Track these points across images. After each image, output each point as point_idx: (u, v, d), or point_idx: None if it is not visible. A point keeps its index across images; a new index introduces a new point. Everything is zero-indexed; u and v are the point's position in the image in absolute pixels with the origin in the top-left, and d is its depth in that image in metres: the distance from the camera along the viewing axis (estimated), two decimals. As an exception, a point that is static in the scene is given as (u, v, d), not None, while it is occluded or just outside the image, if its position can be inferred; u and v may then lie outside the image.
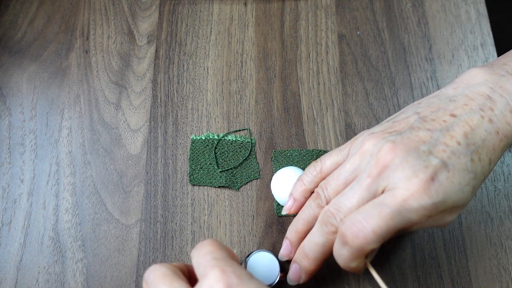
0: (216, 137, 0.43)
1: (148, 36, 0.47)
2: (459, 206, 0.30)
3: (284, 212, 0.37)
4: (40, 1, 0.49)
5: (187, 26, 0.48)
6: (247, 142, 0.43)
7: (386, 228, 0.28)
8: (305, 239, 0.34)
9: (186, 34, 0.48)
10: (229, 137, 0.43)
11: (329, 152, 0.36)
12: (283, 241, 0.37)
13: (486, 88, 0.32)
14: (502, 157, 0.42)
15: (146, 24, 0.48)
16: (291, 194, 0.37)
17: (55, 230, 0.40)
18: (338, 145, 0.43)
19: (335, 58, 0.47)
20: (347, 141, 0.43)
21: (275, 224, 0.40)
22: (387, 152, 0.29)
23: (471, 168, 0.29)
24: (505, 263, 0.39)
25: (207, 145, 0.43)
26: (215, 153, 0.43)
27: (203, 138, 0.43)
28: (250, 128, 0.44)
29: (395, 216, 0.28)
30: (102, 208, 0.41)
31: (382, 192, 0.29)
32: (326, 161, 0.35)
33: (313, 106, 0.44)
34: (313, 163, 0.36)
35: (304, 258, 0.33)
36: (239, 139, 0.43)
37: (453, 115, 0.31)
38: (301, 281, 0.35)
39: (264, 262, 0.36)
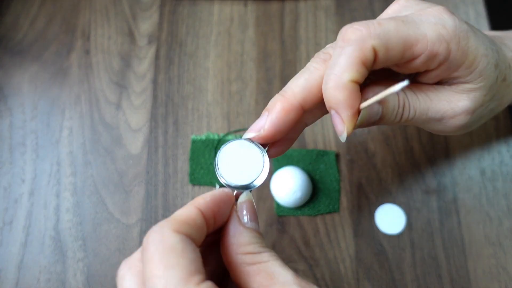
0: (216, 137, 0.43)
1: (149, 37, 0.48)
2: (480, 88, 0.26)
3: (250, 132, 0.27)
4: (41, 2, 0.49)
5: (187, 27, 0.48)
6: (247, 142, 0.43)
7: (394, 27, 0.24)
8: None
9: (187, 35, 0.48)
10: (230, 138, 0.43)
11: None
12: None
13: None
14: (501, 157, 0.42)
15: (146, 25, 0.48)
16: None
17: (56, 230, 0.40)
18: (337, 145, 0.43)
19: (335, 58, 0.47)
20: (346, 140, 0.43)
21: (275, 224, 0.40)
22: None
23: (490, 46, 0.27)
24: (504, 263, 0.39)
25: (208, 145, 0.43)
26: (215, 153, 0.43)
27: (204, 138, 0.43)
28: (250, 128, 0.44)
29: (408, 22, 0.24)
30: (103, 207, 0.41)
31: None
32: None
33: (313, 106, 0.45)
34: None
35: (278, 98, 0.26)
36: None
37: None
38: (263, 131, 0.26)
39: (241, 152, 0.26)
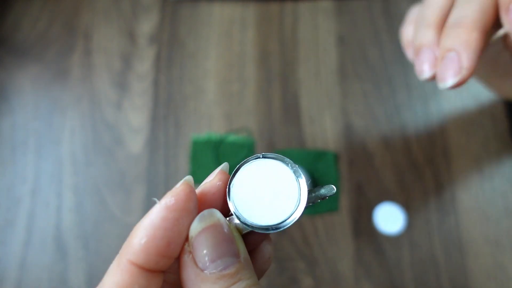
0: (217, 137, 0.44)
1: (150, 38, 0.48)
2: None
3: (427, 73, 0.25)
4: (43, 3, 0.49)
5: (188, 28, 0.49)
6: (248, 142, 0.44)
7: None
8: (449, 18, 0.23)
9: (187, 36, 0.48)
10: (230, 138, 0.44)
11: None
12: (414, 53, 0.25)
13: None
14: (498, 156, 0.43)
15: (147, 26, 0.49)
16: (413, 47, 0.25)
17: (58, 229, 0.40)
18: (337, 145, 0.43)
19: (334, 59, 0.47)
20: (346, 141, 0.44)
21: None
22: None
23: None
24: (501, 262, 0.39)
25: (208, 145, 0.43)
26: (217, 153, 0.43)
27: (204, 138, 0.44)
28: (250, 128, 0.44)
29: None
30: (104, 207, 0.41)
31: None
32: None
33: (312, 107, 0.45)
34: None
35: (461, 28, 0.21)
36: (240, 140, 0.44)
37: None
38: (462, 76, 0.22)
39: (265, 176, 0.17)
